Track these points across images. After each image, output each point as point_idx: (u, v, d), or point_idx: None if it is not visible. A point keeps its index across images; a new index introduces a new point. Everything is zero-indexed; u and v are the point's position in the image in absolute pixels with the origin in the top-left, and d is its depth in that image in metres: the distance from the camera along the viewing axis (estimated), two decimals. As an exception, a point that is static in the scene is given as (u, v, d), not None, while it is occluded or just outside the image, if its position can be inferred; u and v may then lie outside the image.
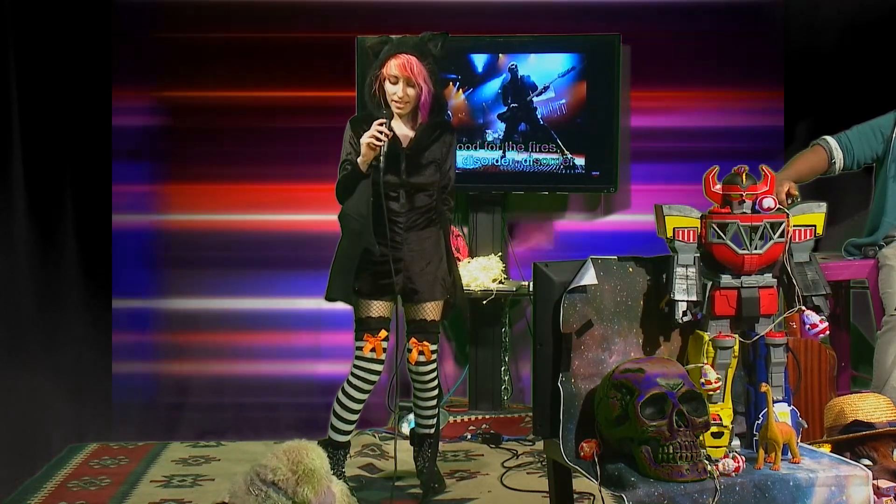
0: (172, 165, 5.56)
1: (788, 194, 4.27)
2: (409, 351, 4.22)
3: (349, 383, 4.17)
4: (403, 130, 4.16)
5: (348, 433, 4.23)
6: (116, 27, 5.48)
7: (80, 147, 5.33)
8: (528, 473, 4.60)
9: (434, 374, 4.28)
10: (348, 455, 4.30)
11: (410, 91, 4.09)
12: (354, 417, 4.21)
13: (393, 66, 4.07)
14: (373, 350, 4.14)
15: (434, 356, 4.25)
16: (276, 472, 3.31)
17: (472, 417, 5.28)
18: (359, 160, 4.08)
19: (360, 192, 4.12)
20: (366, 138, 4.03)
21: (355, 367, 4.17)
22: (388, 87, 4.10)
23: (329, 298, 4.24)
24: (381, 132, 4.01)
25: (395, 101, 4.10)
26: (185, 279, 5.56)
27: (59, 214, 5.22)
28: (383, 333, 4.15)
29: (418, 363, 4.21)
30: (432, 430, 4.35)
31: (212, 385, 5.55)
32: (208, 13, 5.52)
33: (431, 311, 4.23)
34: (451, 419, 5.21)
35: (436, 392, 4.31)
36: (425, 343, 4.21)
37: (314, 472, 3.32)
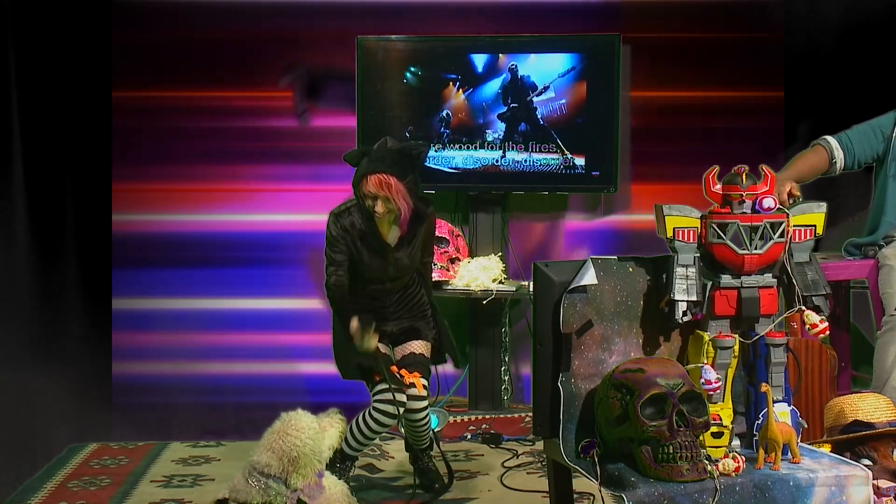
0: (172, 165, 5.56)
1: (790, 194, 4.27)
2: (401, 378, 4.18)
3: (370, 416, 4.14)
4: (390, 232, 4.16)
5: (360, 451, 4.27)
6: (116, 27, 5.48)
7: (80, 147, 5.33)
8: (528, 473, 4.61)
9: (426, 415, 4.24)
10: (354, 466, 4.33)
11: (389, 206, 4.05)
12: (370, 443, 4.26)
13: (371, 185, 4.01)
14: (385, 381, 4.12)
15: (426, 392, 4.19)
16: (269, 467, 3.44)
17: (472, 417, 5.28)
18: (351, 332, 4.07)
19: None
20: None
21: (375, 400, 4.12)
22: (367, 201, 4.06)
23: (346, 377, 4.29)
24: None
25: (375, 213, 4.07)
26: (185, 279, 5.56)
27: (59, 214, 5.22)
28: (393, 368, 4.14)
29: (410, 397, 4.15)
30: (426, 445, 4.39)
31: (212, 385, 5.56)
32: (208, 13, 5.52)
33: (420, 346, 4.25)
34: (451, 419, 5.21)
35: (426, 427, 4.29)
36: (416, 373, 4.17)
37: (297, 459, 3.43)
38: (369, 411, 4.13)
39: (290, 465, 3.46)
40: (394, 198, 4.02)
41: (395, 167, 4.02)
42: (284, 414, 3.58)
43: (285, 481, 3.47)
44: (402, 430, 4.44)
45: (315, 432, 3.53)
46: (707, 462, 2.95)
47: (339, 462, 4.16)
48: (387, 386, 4.08)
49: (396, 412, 4.10)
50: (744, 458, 3.02)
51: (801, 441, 3.17)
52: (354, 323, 4.05)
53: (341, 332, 4.19)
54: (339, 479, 3.88)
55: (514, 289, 5.29)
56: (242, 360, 5.56)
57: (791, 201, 4.21)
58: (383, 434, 4.28)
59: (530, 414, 4.24)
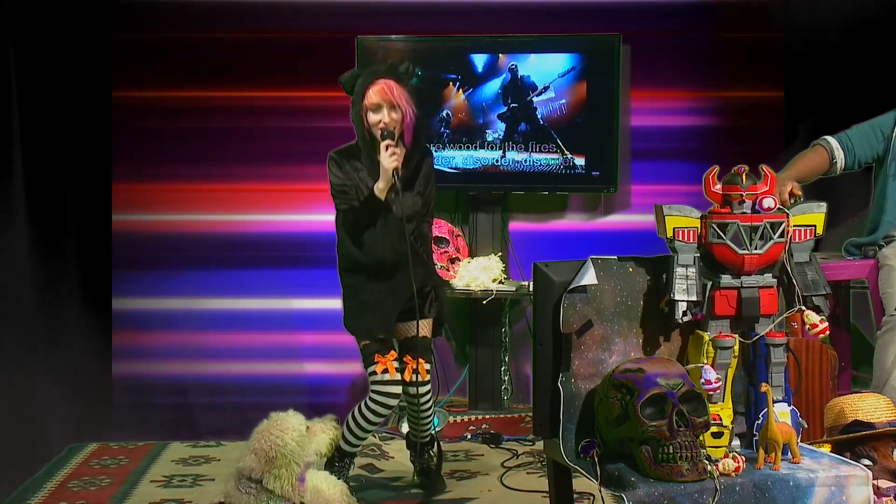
0: (172, 165, 5.56)
1: (791, 193, 4.27)
2: (402, 369, 4.16)
3: (367, 406, 4.13)
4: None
5: (358, 447, 4.25)
6: (116, 27, 5.48)
7: (80, 147, 5.33)
8: (528, 473, 4.60)
9: (429, 397, 4.23)
10: (353, 463, 4.32)
11: (395, 115, 4.03)
12: (367, 436, 4.23)
13: (373, 94, 4.01)
14: (385, 371, 4.09)
15: (428, 377, 4.19)
16: (254, 471, 3.41)
17: (472, 417, 5.28)
18: (377, 189, 4.01)
19: (372, 234, 4.08)
20: (389, 163, 3.96)
21: (373, 391, 4.11)
22: (371, 116, 4.03)
23: (351, 331, 4.23)
24: (395, 153, 3.97)
25: (383, 134, 4.02)
26: (184, 279, 5.56)
27: (59, 214, 5.22)
28: (393, 354, 4.12)
29: (412, 383, 4.15)
30: (427, 439, 4.38)
31: (211, 385, 5.56)
32: (208, 13, 5.52)
33: (423, 327, 4.20)
34: (451, 419, 5.21)
35: (430, 415, 4.29)
36: (419, 360, 4.16)
37: (274, 460, 3.40)
38: (366, 401, 4.13)
39: (266, 465, 3.42)
40: (397, 102, 4.01)
41: (392, 74, 4.05)
42: (273, 413, 3.56)
43: (263, 484, 3.44)
44: (402, 426, 4.43)
45: (300, 434, 3.49)
46: (707, 462, 2.94)
47: (338, 460, 4.16)
48: (386, 378, 4.07)
49: (394, 402, 4.10)
50: (744, 458, 3.02)
51: (801, 441, 3.17)
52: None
53: (352, 291, 4.15)
54: (339, 478, 3.88)
55: (514, 289, 5.29)
56: (242, 360, 5.56)
57: (793, 201, 4.22)
58: (381, 430, 4.26)
59: (530, 414, 4.26)
